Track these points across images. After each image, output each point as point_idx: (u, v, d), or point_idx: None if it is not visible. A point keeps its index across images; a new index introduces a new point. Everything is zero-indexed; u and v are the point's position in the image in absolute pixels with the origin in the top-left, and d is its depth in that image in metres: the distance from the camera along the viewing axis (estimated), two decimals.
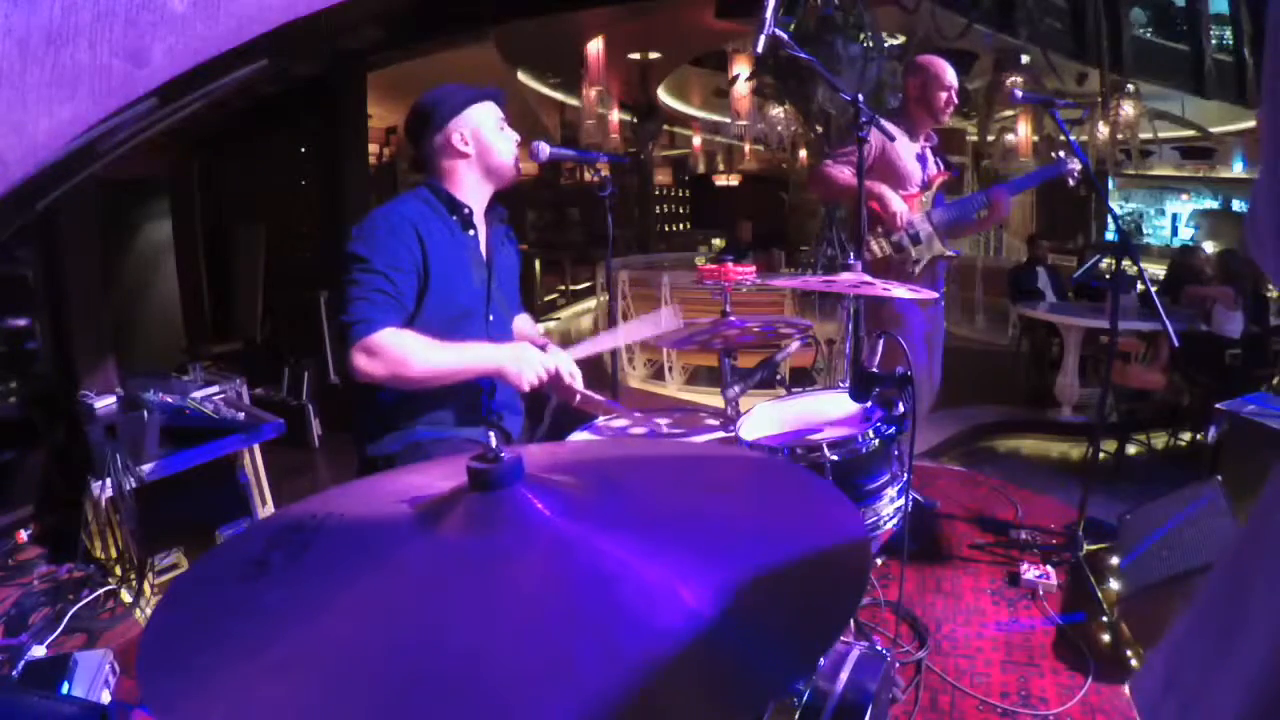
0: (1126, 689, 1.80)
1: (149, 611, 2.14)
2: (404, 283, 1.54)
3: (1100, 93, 7.88)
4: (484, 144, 1.67)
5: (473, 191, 1.69)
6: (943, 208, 2.69)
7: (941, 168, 2.75)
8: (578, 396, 1.70)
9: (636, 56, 8.05)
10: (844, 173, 2.60)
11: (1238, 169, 12.81)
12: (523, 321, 1.91)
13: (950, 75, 2.64)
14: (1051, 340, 5.62)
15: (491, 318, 1.72)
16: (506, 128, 1.72)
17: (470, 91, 1.67)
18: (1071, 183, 2.72)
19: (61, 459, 2.65)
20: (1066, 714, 1.75)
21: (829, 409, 1.77)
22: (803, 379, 4.39)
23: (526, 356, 1.60)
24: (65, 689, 1.53)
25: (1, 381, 2.69)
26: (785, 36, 1.88)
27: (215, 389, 3.00)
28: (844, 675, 1.05)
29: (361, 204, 4.74)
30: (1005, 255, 10.11)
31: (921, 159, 2.71)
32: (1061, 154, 2.69)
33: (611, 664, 0.54)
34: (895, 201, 2.58)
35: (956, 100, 2.66)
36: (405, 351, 1.51)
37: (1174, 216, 15.21)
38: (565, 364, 1.66)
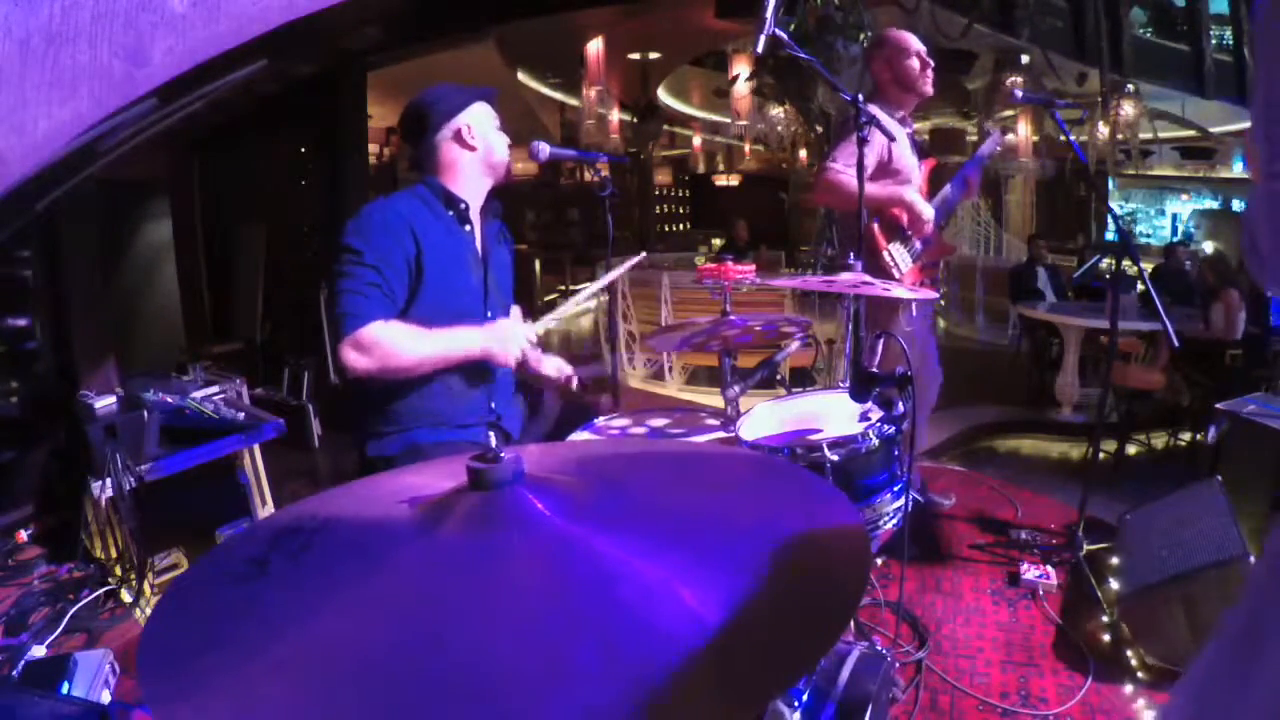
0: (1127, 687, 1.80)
1: (149, 611, 2.14)
2: (394, 279, 1.57)
3: (1100, 93, 7.88)
4: (487, 141, 1.71)
5: (472, 187, 1.71)
6: (941, 198, 2.52)
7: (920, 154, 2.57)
8: (574, 382, 1.75)
9: (636, 56, 8.04)
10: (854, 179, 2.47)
11: (1238, 169, 12.81)
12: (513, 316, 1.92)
13: (913, 40, 2.41)
14: (1051, 340, 5.61)
15: (489, 314, 1.73)
16: (499, 128, 1.75)
17: (469, 90, 1.70)
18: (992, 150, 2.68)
19: (61, 459, 2.65)
20: (1066, 714, 1.75)
21: (829, 409, 1.77)
22: (803, 379, 4.38)
23: (508, 334, 1.65)
24: (65, 689, 1.52)
25: (1, 381, 2.69)
26: (785, 36, 1.88)
27: (215, 389, 2.99)
28: (844, 675, 1.05)
29: (361, 203, 4.70)
30: (1005, 255, 10.09)
31: (915, 149, 2.52)
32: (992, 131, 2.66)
33: (611, 664, 0.54)
34: (925, 207, 2.37)
35: (932, 62, 2.41)
36: (392, 343, 1.54)
37: (1174, 216, 15.19)
38: (529, 332, 1.72)
